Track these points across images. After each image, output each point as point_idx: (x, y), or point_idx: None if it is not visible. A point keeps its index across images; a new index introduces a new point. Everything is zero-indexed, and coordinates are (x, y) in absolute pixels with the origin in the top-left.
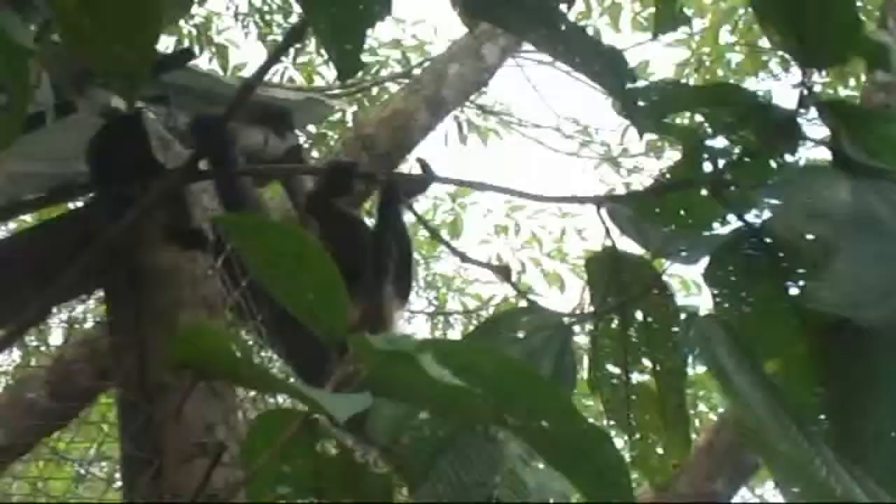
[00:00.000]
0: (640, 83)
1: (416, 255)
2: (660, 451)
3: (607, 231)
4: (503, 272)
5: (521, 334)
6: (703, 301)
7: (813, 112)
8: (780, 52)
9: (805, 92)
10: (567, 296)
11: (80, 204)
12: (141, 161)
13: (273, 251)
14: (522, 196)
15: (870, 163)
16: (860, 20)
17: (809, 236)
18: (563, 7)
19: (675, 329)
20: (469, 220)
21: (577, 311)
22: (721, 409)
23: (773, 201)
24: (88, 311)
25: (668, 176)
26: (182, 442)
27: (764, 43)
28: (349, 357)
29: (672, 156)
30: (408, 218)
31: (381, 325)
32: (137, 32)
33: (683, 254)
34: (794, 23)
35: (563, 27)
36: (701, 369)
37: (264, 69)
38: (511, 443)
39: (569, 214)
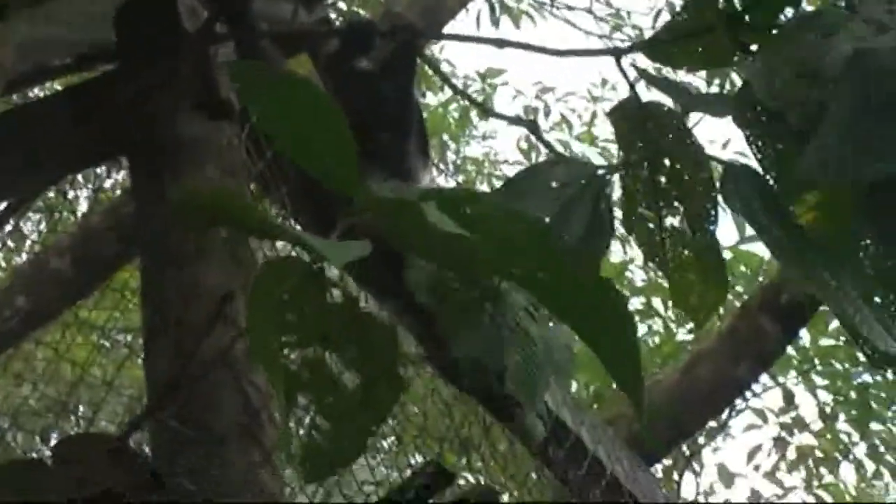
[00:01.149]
0: None
1: (444, 137)
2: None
3: (628, 80)
4: (531, 125)
5: (554, 184)
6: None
7: None
8: None
9: None
10: None
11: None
12: (169, 28)
13: (283, 102)
14: (543, 51)
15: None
16: None
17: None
18: None
19: (703, 173)
20: (498, 102)
21: None
22: (745, 295)
23: (757, 63)
24: (117, 183)
25: (684, 17)
26: (202, 310)
27: None
28: (354, 207)
29: None
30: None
31: (409, 181)
32: None
33: (711, 106)
34: None
35: None
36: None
37: None
38: (516, 294)
39: (599, 98)
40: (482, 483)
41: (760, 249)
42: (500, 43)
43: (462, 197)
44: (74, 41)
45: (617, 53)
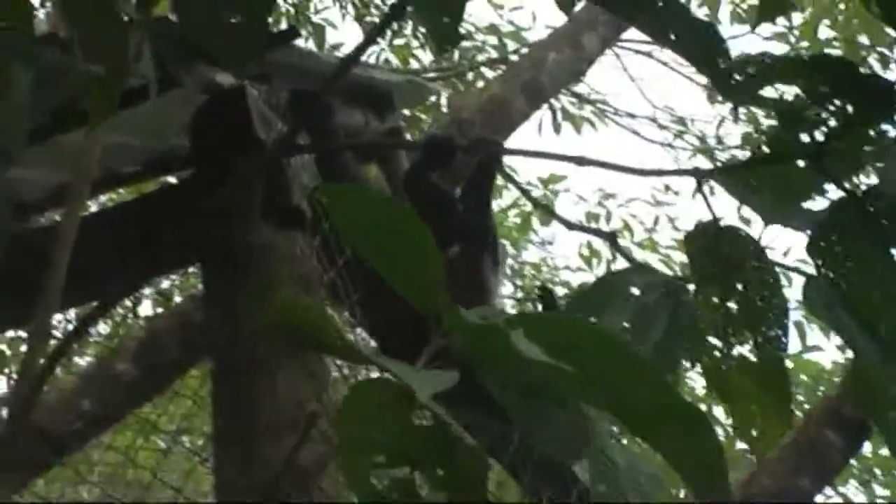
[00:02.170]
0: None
1: (502, 241)
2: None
3: (708, 205)
4: (610, 237)
5: (634, 291)
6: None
7: None
8: (879, 48)
9: None
10: None
11: (177, 179)
12: (242, 137)
13: (373, 222)
14: (621, 170)
15: None
16: None
17: None
18: None
19: (776, 299)
20: (560, 207)
21: None
22: (808, 406)
23: (880, 164)
24: (177, 285)
25: (765, 148)
26: (275, 416)
27: (863, 39)
28: (442, 330)
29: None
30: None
31: (482, 296)
32: (253, 3)
33: (793, 221)
34: None
35: (662, 3)
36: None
37: (363, 47)
38: (601, 421)
39: (661, 204)
40: None
41: (821, 358)
42: (581, 161)
43: (549, 321)
44: (144, 148)
45: (698, 175)
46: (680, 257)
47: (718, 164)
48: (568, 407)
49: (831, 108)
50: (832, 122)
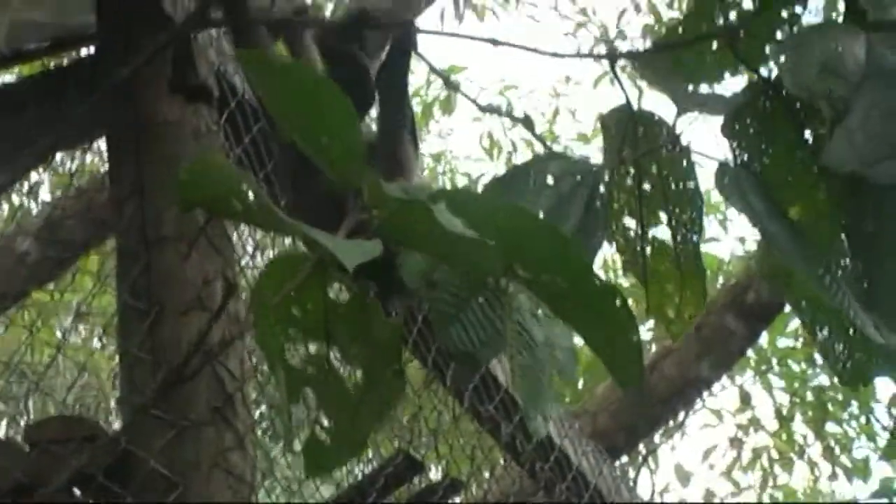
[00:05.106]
0: None
1: None
2: (675, 301)
3: (622, 86)
4: (525, 122)
5: (550, 180)
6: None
7: None
8: None
9: None
10: None
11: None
12: (150, 12)
13: (293, 91)
14: (535, 52)
15: (884, 15)
16: None
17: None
18: None
19: (690, 183)
20: (461, 98)
21: None
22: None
23: (784, 57)
24: (84, 166)
25: (681, 30)
26: (180, 295)
27: None
28: (362, 203)
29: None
30: None
31: (401, 171)
32: None
33: (707, 105)
34: None
35: None
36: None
37: None
38: (520, 295)
39: (561, 95)
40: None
41: (719, 251)
42: (495, 42)
43: (470, 197)
44: (51, 25)
45: (612, 58)
46: (580, 149)
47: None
48: (487, 286)
49: None
50: (746, 5)
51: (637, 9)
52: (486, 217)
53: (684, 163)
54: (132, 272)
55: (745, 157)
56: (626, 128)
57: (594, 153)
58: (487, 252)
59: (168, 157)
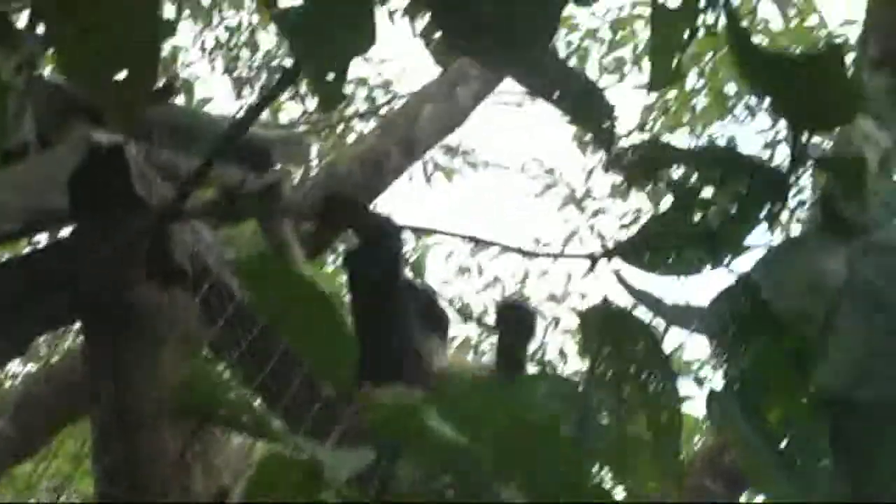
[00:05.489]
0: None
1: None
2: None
3: (605, 288)
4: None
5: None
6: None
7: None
8: (745, 98)
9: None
10: None
11: (56, 238)
12: (122, 194)
13: (288, 299)
14: (511, 250)
15: (862, 219)
16: (860, 84)
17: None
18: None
19: (670, 386)
20: (431, 261)
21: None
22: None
23: (766, 273)
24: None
25: (659, 227)
26: (159, 478)
27: (729, 88)
28: (354, 408)
29: (637, 198)
30: None
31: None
32: (139, 61)
33: (684, 320)
34: (787, 91)
35: (546, 60)
36: None
37: (259, 109)
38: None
39: (531, 256)
40: None
41: (695, 410)
42: (475, 240)
43: (468, 395)
44: (23, 207)
45: (593, 258)
46: (552, 310)
47: (588, 212)
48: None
49: (724, 191)
50: (725, 206)
51: (605, 168)
52: (482, 418)
53: (660, 360)
54: (109, 457)
55: (725, 357)
56: (603, 326)
57: (564, 314)
58: (476, 458)
59: (145, 341)
